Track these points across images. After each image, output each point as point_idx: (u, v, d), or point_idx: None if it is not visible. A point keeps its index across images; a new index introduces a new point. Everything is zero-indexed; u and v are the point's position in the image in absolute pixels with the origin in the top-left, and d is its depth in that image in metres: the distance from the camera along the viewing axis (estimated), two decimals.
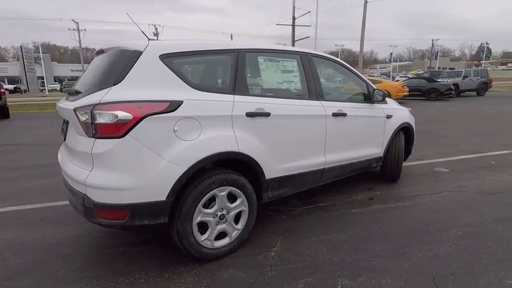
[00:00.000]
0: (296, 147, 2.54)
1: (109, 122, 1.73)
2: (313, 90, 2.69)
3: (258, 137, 2.24)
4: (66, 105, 2.04)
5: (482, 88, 18.93)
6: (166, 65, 1.94)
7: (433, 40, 58.55)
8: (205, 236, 2.09)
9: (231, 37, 48.85)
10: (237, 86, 2.21)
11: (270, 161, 2.34)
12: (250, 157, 2.19)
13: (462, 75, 18.56)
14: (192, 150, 1.91)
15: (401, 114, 3.68)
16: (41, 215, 2.97)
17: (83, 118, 1.79)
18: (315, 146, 2.70)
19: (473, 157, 5.00)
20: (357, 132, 3.11)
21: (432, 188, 3.60)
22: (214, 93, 2.09)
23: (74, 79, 54.94)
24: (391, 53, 65.40)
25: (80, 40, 37.85)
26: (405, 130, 3.75)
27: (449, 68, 49.19)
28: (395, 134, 3.56)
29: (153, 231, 2.08)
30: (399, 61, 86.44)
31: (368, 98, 3.25)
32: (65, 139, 2.20)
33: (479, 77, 18.81)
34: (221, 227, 2.16)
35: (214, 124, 2.03)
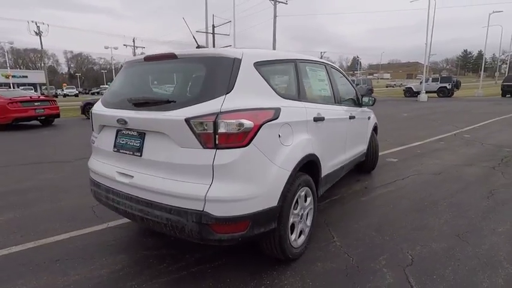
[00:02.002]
0: (334, 147, 2.88)
1: (234, 131, 1.68)
2: (336, 97, 3.08)
3: (318, 139, 2.47)
4: (151, 115, 1.84)
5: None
6: (259, 72, 1.99)
7: (321, 52, 67.79)
8: (293, 236, 2.19)
9: (133, 41, 45.45)
10: (300, 93, 2.40)
11: (324, 160, 2.60)
12: (318, 158, 2.41)
13: (355, 83, 22.42)
14: (291, 154, 2.02)
15: (373, 115, 4.45)
16: (47, 254, 2.42)
17: (199, 128, 1.68)
18: (342, 145, 3.09)
19: (404, 148, 6.32)
20: (358, 132, 3.67)
21: (399, 174, 4.47)
22: (291, 100, 2.22)
23: None
24: None
25: None
26: (375, 129, 4.54)
27: None
28: (372, 132, 4.30)
29: (253, 240, 1.99)
30: None
31: (358, 102, 3.84)
32: (141, 155, 1.93)
33: (366, 85, 23.11)
34: (300, 226, 2.29)
35: (299, 129, 2.17)
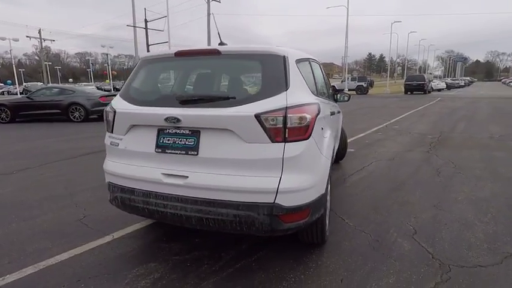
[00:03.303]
0: (335, 138, 3.18)
1: (299, 124, 1.78)
2: (328, 93, 3.39)
3: (332, 132, 2.73)
4: (210, 112, 1.80)
5: None
6: (298, 69, 2.11)
7: None
8: (326, 221, 2.39)
9: (39, 32, 39.14)
10: (317, 89, 2.60)
11: (334, 151, 2.87)
12: (334, 148, 2.66)
13: None
14: (329, 145, 2.21)
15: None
16: (60, 277, 2.11)
17: (268, 123, 1.73)
18: (336, 137, 3.42)
19: (354, 139, 7.12)
20: (339, 125, 4.07)
21: (364, 161, 5.09)
22: (314, 96, 2.41)
23: None
24: None
25: None
26: None
27: None
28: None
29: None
30: None
31: (334, 98, 4.25)
32: (197, 153, 1.85)
33: None
34: (327, 211, 2.51)
35: (327, 122, 2.37)
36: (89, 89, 13.40)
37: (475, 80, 77.27)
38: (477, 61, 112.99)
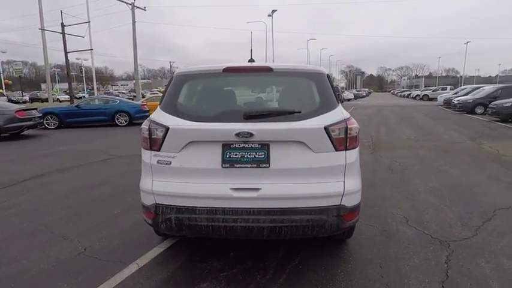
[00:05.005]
0: None
1: (353, 134, 2.04)
2: None
3: None
4: (281, 126, 1.93)
5: None
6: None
7: (170, 62, 68.74)
8: None
9: None
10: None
11: None
12: None
13: None
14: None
15: None
16: None
17: (334, 134, 1.93)
18: None
19: None
20: None
21: None
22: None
23: None
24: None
25: None
26: None
27: None
28: None
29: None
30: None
31: None
32: (269, 165, 1.90)
33: None
34: None
35: None
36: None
37: (372, 90, 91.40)
38: (371, 75, 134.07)
